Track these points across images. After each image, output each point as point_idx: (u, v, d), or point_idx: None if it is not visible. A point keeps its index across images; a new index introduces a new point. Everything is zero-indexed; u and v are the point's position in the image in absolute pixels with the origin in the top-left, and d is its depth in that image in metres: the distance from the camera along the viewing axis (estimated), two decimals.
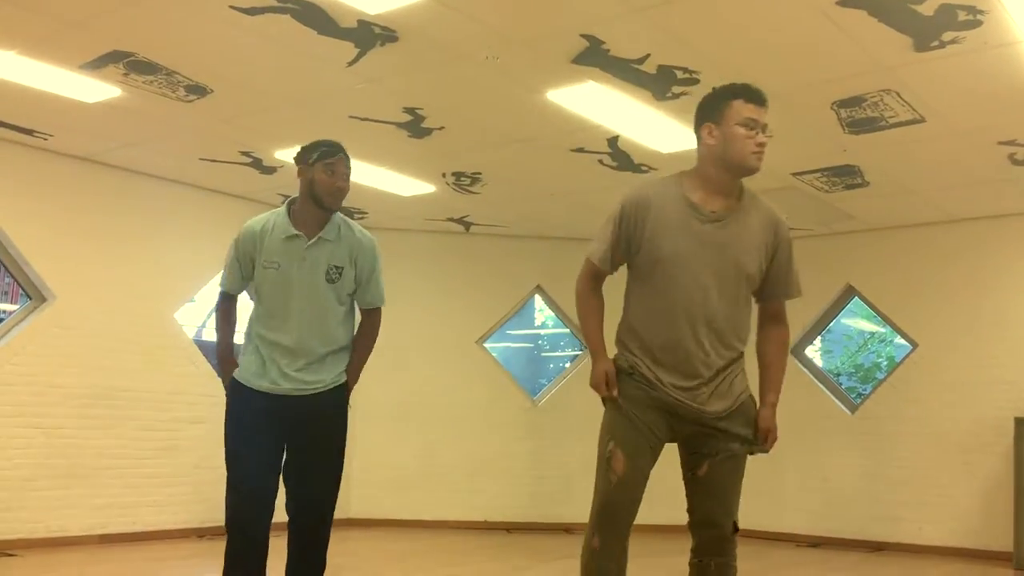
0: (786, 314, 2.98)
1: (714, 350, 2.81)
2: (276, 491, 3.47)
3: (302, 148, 3.55)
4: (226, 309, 3.72)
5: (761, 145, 2.75)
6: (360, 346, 3.71)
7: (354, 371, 3.67)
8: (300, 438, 3.50)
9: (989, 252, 7.82)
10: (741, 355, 2.89)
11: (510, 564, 6.73)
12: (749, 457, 2.91)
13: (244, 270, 3.59)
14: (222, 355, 3.71)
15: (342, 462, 3.60)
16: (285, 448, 3.52)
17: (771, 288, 2.92)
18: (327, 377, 3.54)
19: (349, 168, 3.53)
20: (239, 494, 3.46)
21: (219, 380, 8.19)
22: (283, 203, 3.61)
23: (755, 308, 2.98)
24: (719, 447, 2.82)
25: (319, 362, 3.51)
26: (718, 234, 2.80)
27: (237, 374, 3.56)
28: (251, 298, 3.72)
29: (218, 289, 3.75)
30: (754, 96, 2.79)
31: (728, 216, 2.81)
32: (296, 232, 3.46)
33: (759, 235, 2.84)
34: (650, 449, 2.81)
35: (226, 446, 3.56)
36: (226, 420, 3.60)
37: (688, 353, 2.79)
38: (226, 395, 3.63)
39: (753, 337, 2.95)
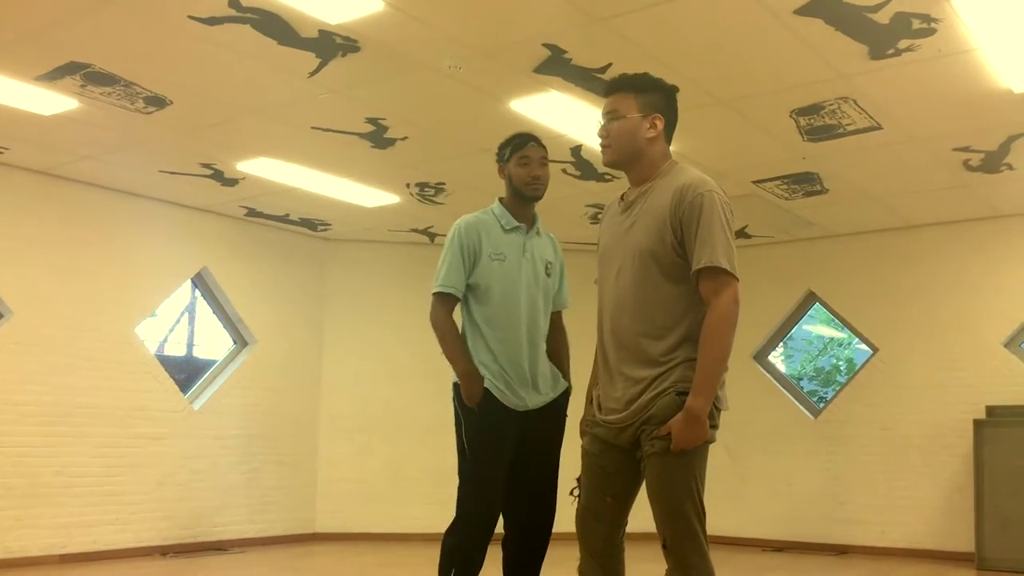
0: (719, 294, 2.52)
1: (616, 347, 2.67)
2: None
3: (498, 147, 3.56)
4: (450, 315, 3.39)
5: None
6: (565, 351, 3.58)
7: (568, 378, 3.57)
8: (535, 450, 3.40)
9: (946, 257, 7.94)
10: (668, 356, 2.58)
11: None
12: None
13: (467, 265, 3.38)
14: (469, 370, 3.34)
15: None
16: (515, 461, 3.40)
17: (692, 263, 2.56)
18: (556, 384, 3.47)
19: (544, 152, 3.49)
20: (487, 521, 3.35)
21: (181, 395, 8.11)
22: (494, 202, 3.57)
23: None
24: (640, 454, 2.63)
25: (544, 367, 3.41)
26: (626, 220, 2.73)
27: (489, 384, 3.33)
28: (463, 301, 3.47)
29: (436, 290, 3.40)
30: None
31: (637, 199, 2.72)
32: (518, 223, 3.45)
33: (662, 208, 2.61)
34: (601, 475, 2.73)
35: (476, 465, 3.39)
36: (475, 437, 3.38)
37: (602, 351, 2.76)
38: (473, 409, 3.35)
39: None
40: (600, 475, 2.73)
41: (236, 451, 8.01)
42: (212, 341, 9.13)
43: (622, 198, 2.81)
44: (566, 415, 3.50)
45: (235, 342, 8.38)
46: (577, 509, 2.80)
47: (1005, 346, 7.61)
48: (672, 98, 2.80)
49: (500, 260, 3.39)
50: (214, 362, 8.44)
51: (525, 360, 3.36)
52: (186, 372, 9.15)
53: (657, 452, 2.54)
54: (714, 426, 2.57)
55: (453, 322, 3.41)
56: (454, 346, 3.37)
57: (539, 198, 3.49)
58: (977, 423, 7.25)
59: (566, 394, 3.51)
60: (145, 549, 7.17)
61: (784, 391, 8.79)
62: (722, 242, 2.53)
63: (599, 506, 2.74)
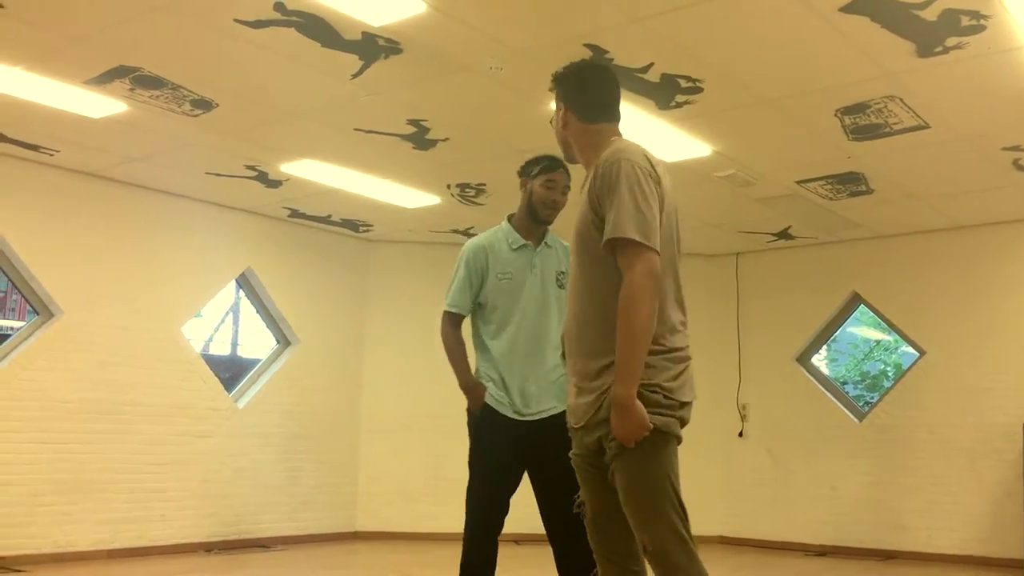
0: (631, 268, 2.33)
1: (567, 339, 2.58)
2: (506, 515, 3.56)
3: (526, 162, 3.66)
4: (456, 330, 3.67)
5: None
6: None
7: None
8: (552, 464, 3.38)
9: (994, 258, 7.80)
10: (607, 346, 2.37)
11: None
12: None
13: (475, 287, 3.60)
14: (467, 381, 3.61)
15: None
16: (530, 472, 3.57)
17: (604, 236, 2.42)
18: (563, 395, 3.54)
19: (569, 182, 3.58)
20: (485, 534, 3.51)
21: (226, 394, 8.23)
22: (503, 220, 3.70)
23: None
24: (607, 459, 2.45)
25: (555, 378, 3.48)
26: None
27: (488, 398, 3.55)
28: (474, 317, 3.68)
29: (444, 309, 3.66)
30: None
31: (584, 186, 2.60)
32: (525, 241, 3.58)
33: (587, 187, 2.52)
34: (597, 472, 2.52)
35: (471, 479, 3.57)
36: (473, 449, 3.58)
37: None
38: (473, 422, 3.59)
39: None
40: (597, 473, 2.51)
41: (278, 450, 8.09)
42: (256, 340, 9.24)
43: None
44: None
45: (278, 342, 8.47)
46: (586, 521, 2.61)
47: None
48: (579, 79, 2.73)
49: (507, 279, 3.54)
50: (258, 361, 8.54)
51: (529, 373, 3.48)
52: (230, 371, 9.28)
53: (618, 454, 2.37)
54: (668, 416, 2.36)
55: (458, 337, 3.65)
56: (456, 359, 3.62)
57: (551, 223, 3.61)
58: None
59: None
60: (190, 545, 7.27)
61: (828, 394, 8.67)
62: (630, 210, 2.36)
63: (608, 504, 2.49)
